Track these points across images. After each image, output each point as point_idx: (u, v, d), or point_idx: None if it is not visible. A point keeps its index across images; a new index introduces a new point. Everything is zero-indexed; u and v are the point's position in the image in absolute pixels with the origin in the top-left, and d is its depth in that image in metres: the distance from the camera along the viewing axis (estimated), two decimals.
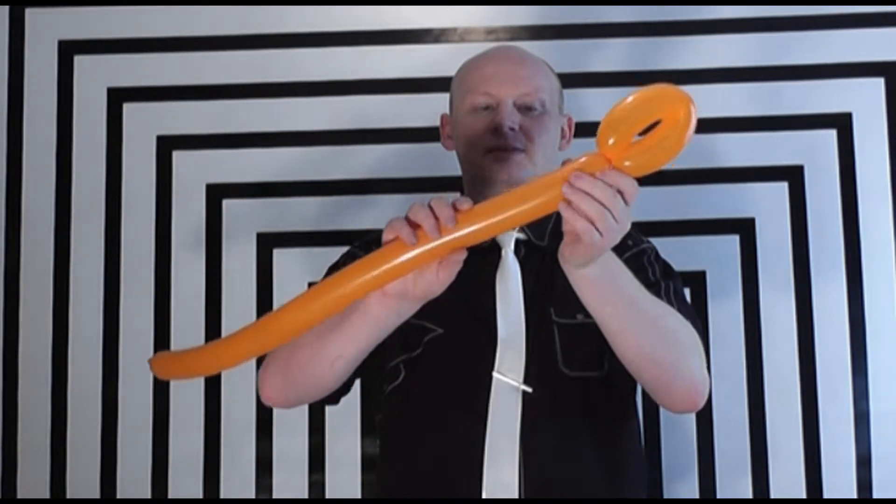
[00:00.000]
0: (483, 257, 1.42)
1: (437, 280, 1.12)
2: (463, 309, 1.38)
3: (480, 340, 1.35)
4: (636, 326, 1.23)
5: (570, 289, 1.39)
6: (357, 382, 1.45)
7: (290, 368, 1.28)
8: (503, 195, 1.11)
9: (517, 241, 1.42)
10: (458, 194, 1.33)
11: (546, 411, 1.32)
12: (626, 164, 1.05)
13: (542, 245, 1.44)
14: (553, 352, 1.35)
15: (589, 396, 1.36)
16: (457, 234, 1.09)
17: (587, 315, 1.37)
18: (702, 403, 1.30)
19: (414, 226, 1.08)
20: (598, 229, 1.05)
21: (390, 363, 1.39)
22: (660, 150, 1.04)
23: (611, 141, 1.05)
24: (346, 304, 1.12)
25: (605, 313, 1.22)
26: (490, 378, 1.32)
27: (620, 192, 1.05)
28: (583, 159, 1.07)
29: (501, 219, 1.09)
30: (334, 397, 1.43)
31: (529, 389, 1.31)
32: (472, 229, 1.09)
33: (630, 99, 1.05)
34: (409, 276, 1.12)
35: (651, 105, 1.04)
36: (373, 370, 1.43)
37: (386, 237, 1.10)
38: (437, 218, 1.08)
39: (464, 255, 1.11)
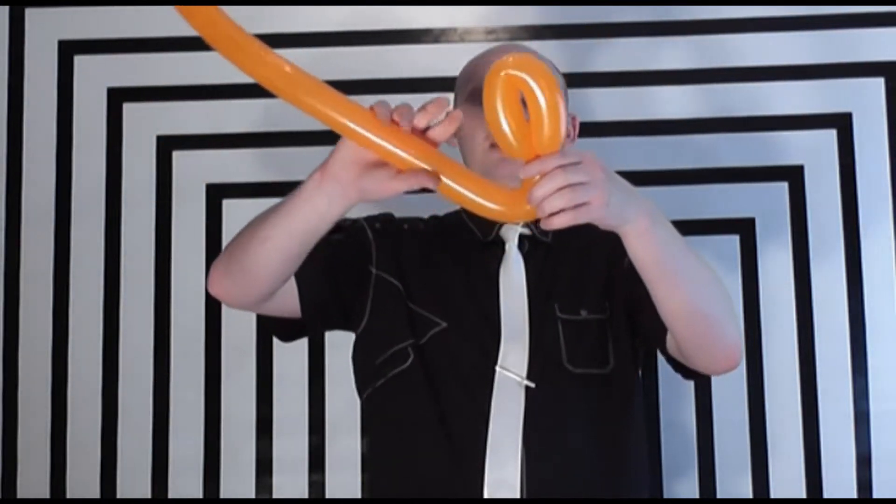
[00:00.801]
0: (487, 252, 1.43)
1: (380, 186, 1.10)
2: (467, 304, 1.39)
3: (484, 335, 1.36)
4: (687, 278, 1.20)
5: (574, 285, 1.41)
6: (352, 380, 1.46)
7: (234, 251, 1.26)
8: (481, 181, 1.12)
9: (521, 236, 1.43)
10: None
11: (549, 407, 1.32)
12: (544, 140, 1.07)
13: (547, 241, 1.44)
14: (557, 348, 1.36)
15: (593, 393, 1.36)
16: (408, 155, 1.07)
17: (591, 311, 1.38)
18: (741, 361, 1.28)
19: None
20: (584, 203, 1.06)
21: (396, 346, 1.38)
22: (547, 118, 1.05)
23: (514, 144, 1.08)
24: (293, 98, 1.11)
25: (662, 266, 1.18)
26: (493, 373, 1.32)
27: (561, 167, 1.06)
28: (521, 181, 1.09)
29: (459, 191, 1.10)
30: (288, 330, 1.43)
31: (532, 384, 1.31)
32: (429, 165, 1.08)
33: (485, 103, 1.06)
34: (356, 162, 1.10)
35: (503, 94, 1.06)
36: (368, 352, 1.42)
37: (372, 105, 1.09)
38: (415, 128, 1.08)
39: (424, 176, 1.08)
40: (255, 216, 1.27)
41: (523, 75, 1.05)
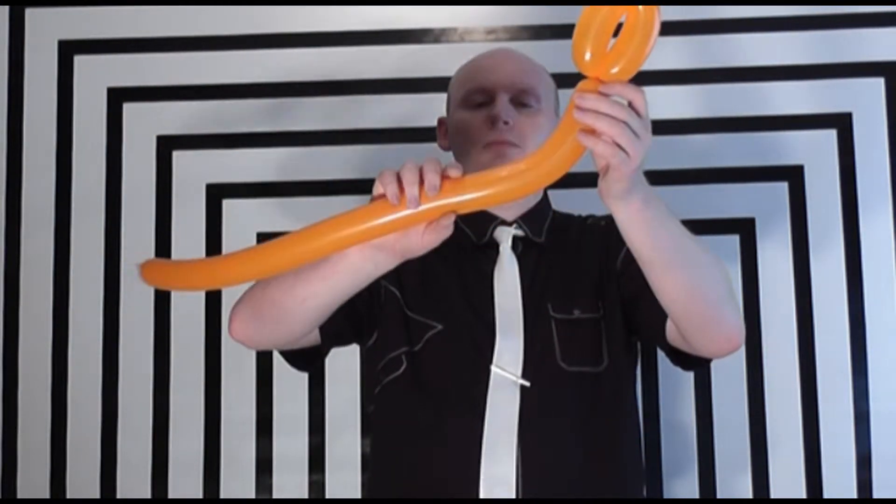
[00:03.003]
0: (481, 254, 1.43)
1: (420, 242, 1.12)
2: (462, 305, 1.39)
3: (479, 336, 1.36)
4: (685, 259, 1.19)
5: (567, 284, 1.41)
6: (356, 380, 1.46)
7: (263, 303, 1.27)
8: (495, 169, 1.12)
9: (514, 238, 1.43)
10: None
11: (544, 406, 1.32)
12: (613, 71, 1.05)
13: (540, 241, 1.45)
14: (551, 347, 1.36)
15: (587, 391, 1.36)
16: (440, 203, 1.09)
17: (584, 310, 1.38)
18: (742, 343, 1.27)
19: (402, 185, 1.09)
20: (621, 147, 1.04)
21: (391, 354, 1.39)
22: (636, 44, 1.05)
23: (587, 56, 1.05)
24: (327, 253, 1.14)
25: (656, 247, 1.17)
26: (489, 372, 1.33)
27: (630, 104, 1.05)
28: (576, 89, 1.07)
29: (491, 192, 1.10)
30: (304, 360, 1.43)
31: (527, 383, 1.32)
32: (457, 199, 1.10)
33: (585, 10, 1.04)
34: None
35: (608, 8, 1.04)
36: (371, 362, 1.43)
37: (375, 191, 1.11)
38: (423, 183, 1.08)
39: (451, 220, 1.11)
40: (285, 273, 1.25)
41: (633, 9, 1.03)
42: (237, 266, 1.18)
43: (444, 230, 1.12)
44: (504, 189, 1.11)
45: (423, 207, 1.09)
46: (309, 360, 1.44)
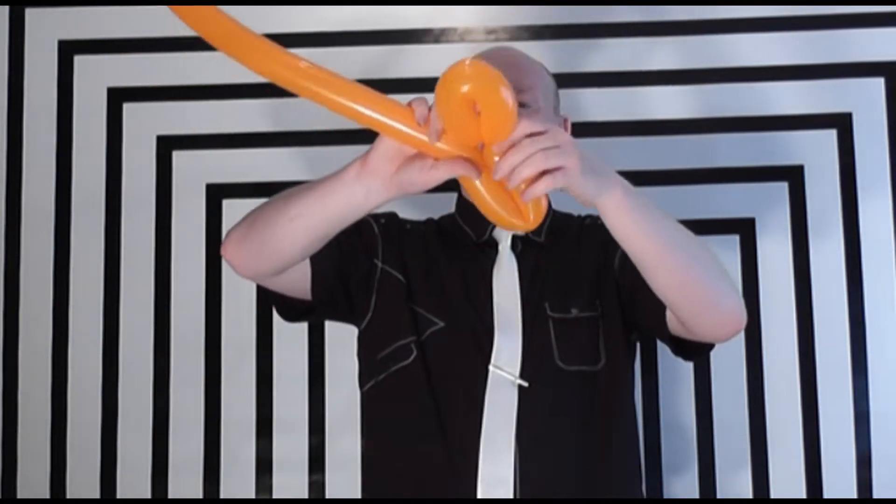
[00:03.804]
0: (481, 252, 1.44)
1: (423, 176, 1.11)
2: (462, 304, 1.40)
3: (478, 334, 1.36)
4: (673, 245, 1.19)
5: (564, 283, 1.42)
6: (356, 381, 1.46)
7: (256, 221, 1.27)
8: (511, 192, 1.13)
9: (514, 237, 1.44)
10: None
11: (542, 405, 1.33)
12: (494, 129, 1.06)
13: (539, 241, 1.45)
14: (549, 346, 1.36)
15: (585, 390, 1.36)
16: (453, 151, 1.09)
17: (581, 309, 1.38)
18: (745, 322, 1.27)
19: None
20: (556, 168, 1.05)
21: (399, 342, 1.39)
22: (497, 108, 1.05)
23: (474, 142, 1.08)
24: (337, 108, 1.13)
25: (645, 236, 1.17)
26: (487, 372, 1.33)
27: (529, 136, 1.06)
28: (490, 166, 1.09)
29: (487, 203, 1.12)
30: (294, 312, 1.43)
31: (525, 383, 1.32)
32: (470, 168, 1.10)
33: (440, 109, 1.05)
34: (395, 157, 1.12)
35: (456, 106, 1.05)
36: (369, 347, 1.43)
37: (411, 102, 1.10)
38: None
39: (458, 163, 1.09)
40: (284, 191, 1.27)
41: (465, 87, 1.03)
42: (254, 47, 1.18)
43: (449, 169, 1.09)
44: (496, 212, 1.13)
45: (438, 144, 1.09)
46: (299, 312, 1.44)
